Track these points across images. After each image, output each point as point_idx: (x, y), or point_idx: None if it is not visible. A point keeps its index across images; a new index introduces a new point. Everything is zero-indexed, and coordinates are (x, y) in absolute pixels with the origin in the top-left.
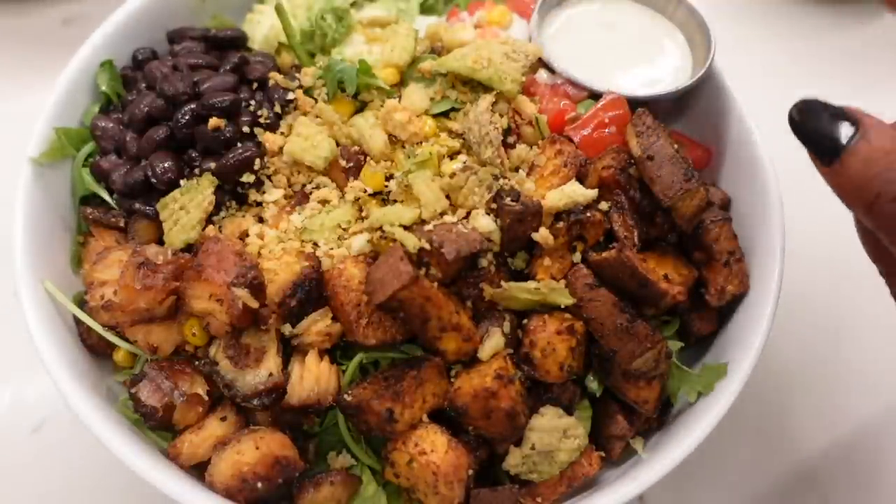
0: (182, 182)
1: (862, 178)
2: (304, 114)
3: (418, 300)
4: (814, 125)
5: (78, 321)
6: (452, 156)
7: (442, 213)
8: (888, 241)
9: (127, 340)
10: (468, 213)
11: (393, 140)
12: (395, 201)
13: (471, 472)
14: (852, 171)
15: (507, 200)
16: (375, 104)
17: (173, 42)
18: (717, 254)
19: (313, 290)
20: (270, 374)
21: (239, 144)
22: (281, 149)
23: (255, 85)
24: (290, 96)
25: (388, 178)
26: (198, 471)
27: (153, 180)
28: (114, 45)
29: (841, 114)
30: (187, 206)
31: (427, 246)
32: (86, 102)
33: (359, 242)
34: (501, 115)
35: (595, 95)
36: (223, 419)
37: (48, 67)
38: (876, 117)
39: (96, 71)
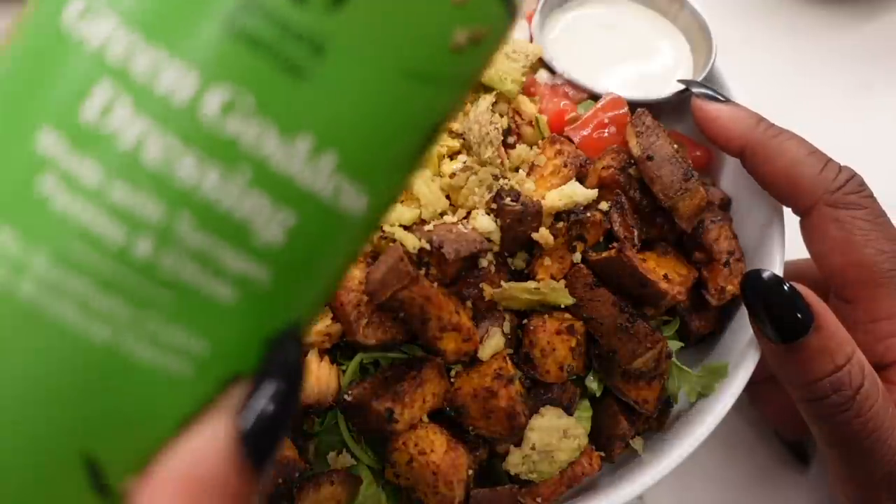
0: None
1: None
2: None
3: (418, 300)
4: (779, 300)
5: None
6: (452, 156)
7: (442, 213)
8: (819, 429)
9: None
10: (468, 213)
11: None
12: None
13: (471, 472)
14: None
15: (507, 200)
16: None
17: None
18: (717, 254)
19: None
20: None
21: None
22: None
23: None
24: None
25: None
26: None
27: None
28: None
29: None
30: None
31: (427, 246)
32: None
33: None
34: (501, 115)
35: (595, 96)
36: None
37: None
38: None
39: None
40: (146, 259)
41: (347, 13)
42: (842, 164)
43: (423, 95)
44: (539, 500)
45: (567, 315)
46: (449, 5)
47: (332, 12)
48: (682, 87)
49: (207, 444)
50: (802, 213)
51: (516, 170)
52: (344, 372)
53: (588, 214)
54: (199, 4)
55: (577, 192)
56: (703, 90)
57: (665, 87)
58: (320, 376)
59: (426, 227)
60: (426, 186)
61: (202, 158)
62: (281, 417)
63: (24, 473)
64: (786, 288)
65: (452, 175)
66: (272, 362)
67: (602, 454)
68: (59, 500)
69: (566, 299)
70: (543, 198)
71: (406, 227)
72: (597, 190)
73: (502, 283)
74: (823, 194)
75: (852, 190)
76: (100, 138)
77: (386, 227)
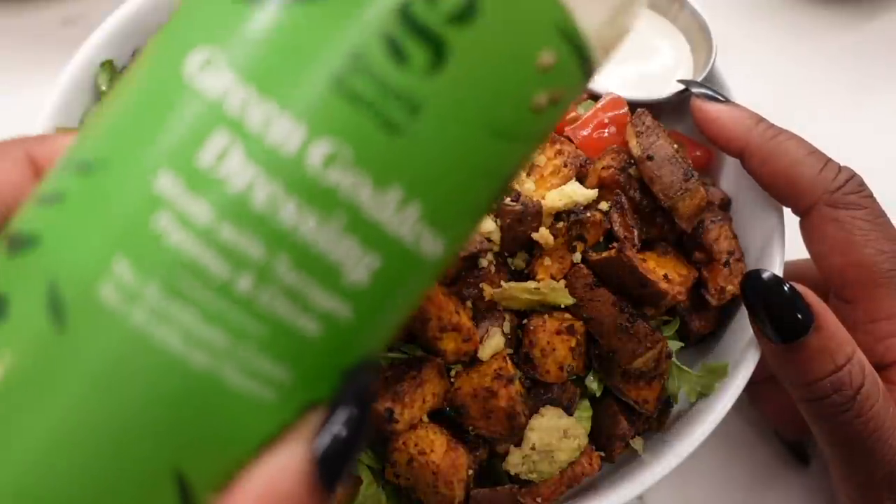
0: None
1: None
2: None
3: None
4: (779, 300)
5: None
6: None
7: None
8: (819, 427)
9: None
10: None
11: None
12: None
13: (471, 472)
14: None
15: (507, 200)
16: None
17: None
18: (716, 254)
19: None
20: None
21: None
22: None
23: None
24: None
25: None
26: None
27: None
28: (114, 44)
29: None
30: None
31: None
32: (86, 102)
33: None
34: None
35: (595, 96)
36: None
37: (48, 67)
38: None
39: (97, 71)
40: (246, 294)
41: (444, 77)
42: (842, 163)
43: (503, 151)
44: (539, 499)
45: (567, 315)
46: (534, 71)
47: (431, 75)
48: (682, 87)
49: (285, 465)
50: (802, 213)
51: None
52: None
53: (588, 214)
54: (310, 64)
55: (577, 192)
56: (702, 90)
57: (665, 87)
58: None
59: None
60: None
61: (303, 205)
62: (353, 442)
63: (123, 487)
64: (786, 288)
65: None
66: (347, 391)
67: (602, 454)
68: None
69: (566, 299)
70: (543, 198)
71: None
72: (597, 190)
73: (502, 283)
74: (823, 194)
75: (852, 190)
76: (212, 182)
77: None
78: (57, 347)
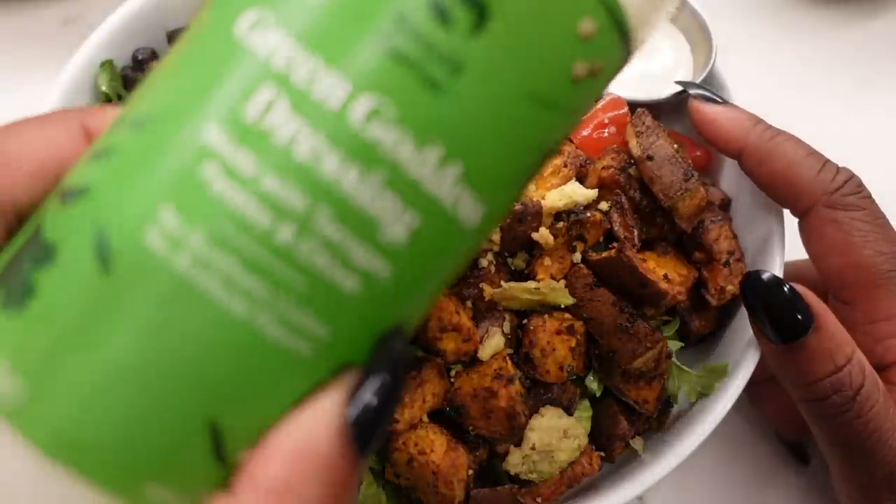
0: None
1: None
2: None
3: None
4: (778, 301)
5: None
6: None
7: None
8: (819, 426)
9: None
10: None
11: None
12: None
13: (471, 471)
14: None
15: None
16: None
17: (173, 42)
18: (717, 254)
19: None
20: None
21: None
22: None
23: None
24: None
25: None
26: None
27: None
28: (114, 45)
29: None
30: None
31: None
32: (86, 102)
33: None
34: None
35: None
36: None
37: (48, 67)
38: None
39: (96, 71)
40: (286, 244)
41: (486, 38)
42: (841, 164)
43: (541, 119)
44: (539, 499)
45: (567, 315)
46: (576, 38)
47: (474, 36)
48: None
49: (318, 424)
50: (800, 214)
51: None
52: None
53: (588, 214)
54: (357, 23)
55: (577, 192)
56: (700, 92)
57: (665, 88)
58: None
59: None
60: None
61: (344, 158)
62: (384, 409)
63: (158, 433)
64: (786, 289)
65: None
66: (381, 355)
67: (602, 454)
68: (183, 462)
69: (566, 299)
70: (543, 198)
71: None
72: (597, 190)
73: (502, 283)
74: (821, 196)
75: (850, 191)
76: (258, 134)
77: None
78: (102, 291)
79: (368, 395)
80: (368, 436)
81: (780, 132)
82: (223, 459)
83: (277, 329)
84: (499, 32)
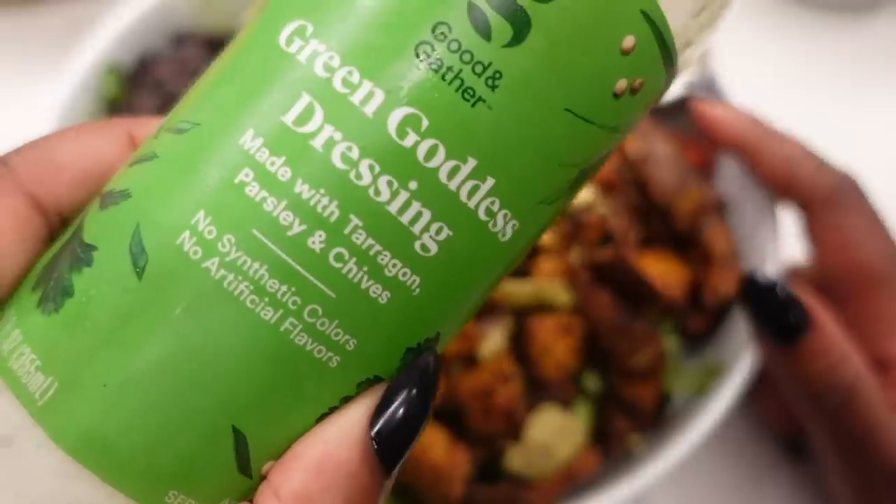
0: None
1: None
2: None
3: None
4: (775, 301)
5: None
6: None
7: None
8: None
9: None
10: None
11: None
12: None
13: (470, 469)
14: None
15: None
16: None
17: (178, 45)
18: (714, 254)
19: None
20: None
21: None
22: None
23: None
24: None
25: None
26: None
27: None
28: (117, 47)
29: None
30: None
31: None
32: (88, 104)
33: None
34: None
35: None
36: None
37: (50, 70)
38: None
39: (100, 73)
40: (316, 252)
41: (525, 50)
42: (841, 165)
43: (579, 135)
44: (538, 498)
45: (566, 314)
46: (615, 52)
47: (514, 48)
48: (680, 87)
49: (342, 437)
50: (800, 214)
51: None
52: None
53: (587, 214)
54: (396, 33)
55: None
56: (702, 90)
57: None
58: None
59: None
60: None
61: (377, 167)
62: (413, 425)
63: (182, 439)
64: (782, 289)
65: None
66: (412, 370)
67: (601, 453)
68: (207, 472)
69: (565, 299)
70: None
71: None
72: (595, 190)
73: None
74: (821, 196)
75: (849, 191)
76: (293, 141)
77: None
78: (136, 294)
79: (394, 409)
80: (394, 451)
81: (780, 132)
82: (247, 471)
83: (304, 338)
84: (540, 45)
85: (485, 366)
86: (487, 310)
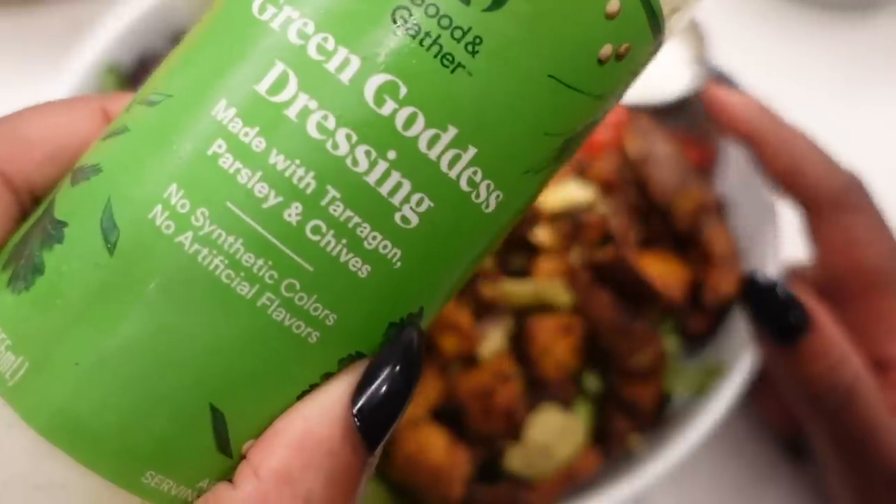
0: None
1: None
2: None
3: None
4: (776, 301)
5: None
6: None
7: None
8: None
9: None
10: None
11: None
12: None
13: (470, 470)
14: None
15: None
16: None
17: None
18: (714, 254)
19: None
20: None
21: None
22: None
23: None
24: None
25: None
26: None
27: None
28: (117, 47)
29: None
30: None
31: None
32: None
33: None
34: None
35: None
36: None
37: (50, 70)
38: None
39: (100, 73)
40: (293, 224)
41: (505, 14)
42: (846, 165)
43: (562, 103)
44: (538, 498)
45: (566, 315)
46: (602, 16)
47: (495, 11)
48: (679, 88)
49: (323, 414)
50: (804, 213)
51: None
52: None
53: (586, 215)
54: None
55: (575, 193)
56: (718, 76)
57: (663, 89)
58: None
59: None
60: None
61: (355, 137)
62: (396, 401)
63: (157, 418)
64: (783, 289)
65: None
66: (394, 346)
67: (601, 453)
68: (184, 451)
69: (566, 299)
70: (542, 198)
71: None
72: (595, 190)
73: (501, 282)
74: (826, 195)
75: (855, 192)
76: (268, 110)
77: None
78: (107, 270)
79: (377, 386)
80: (377, 428)
81: (791, 126)
82: (227, 450)
83: (282, 313)
84: (521, 8)
85: (485, 366)
86: (487, 310)
